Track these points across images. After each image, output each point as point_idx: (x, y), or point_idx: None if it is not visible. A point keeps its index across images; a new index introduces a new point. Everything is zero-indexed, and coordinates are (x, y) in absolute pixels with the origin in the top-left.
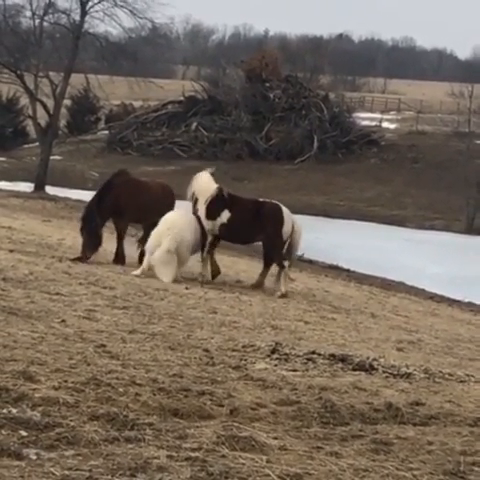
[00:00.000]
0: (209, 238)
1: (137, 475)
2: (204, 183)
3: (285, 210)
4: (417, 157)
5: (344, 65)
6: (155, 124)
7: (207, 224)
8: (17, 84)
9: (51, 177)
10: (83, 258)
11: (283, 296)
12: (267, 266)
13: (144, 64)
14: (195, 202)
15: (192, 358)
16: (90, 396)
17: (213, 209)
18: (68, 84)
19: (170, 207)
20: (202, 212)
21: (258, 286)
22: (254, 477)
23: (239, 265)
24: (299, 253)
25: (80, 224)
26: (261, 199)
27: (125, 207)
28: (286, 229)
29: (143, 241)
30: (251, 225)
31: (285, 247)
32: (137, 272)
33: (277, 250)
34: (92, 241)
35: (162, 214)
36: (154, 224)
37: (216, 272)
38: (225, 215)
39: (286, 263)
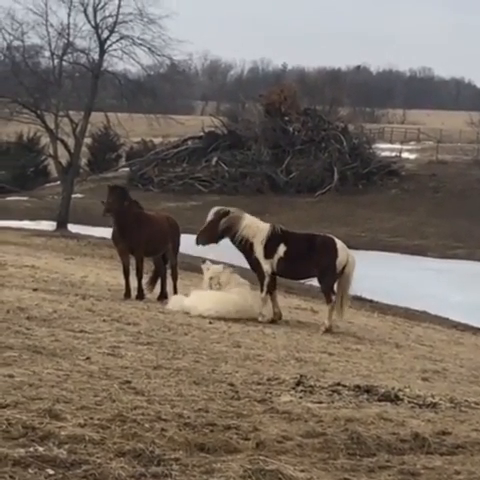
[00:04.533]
0: (267, 278)
1: None
2: (254, 225)
3: (339, 243)
4: (438, 186)
5: (362, 97)
6: (175, 160)
7: (265, 263)
8: (37, 124)
9: (73, 215)
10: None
11: (327, 331)
12: (329, 303)
13: (163, 101)
14: (250, 247)
15: (217, 392)
16: (116, 433)
17: (270, 247)
18: (88, 122)
19: (177, 239)
20: (260, 253)
21: (330, 329)
22: None
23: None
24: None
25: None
26: (315, 233)
27: (137, 240)
28: (340, 261)
29: (154, 280)
30: (306, 258)
31: (338, 280)
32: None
33: (328, 283)
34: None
35: (169, 246)
36: (163, 257)
37: (278, 316)
38: (282, 249)
39: (334, 297)
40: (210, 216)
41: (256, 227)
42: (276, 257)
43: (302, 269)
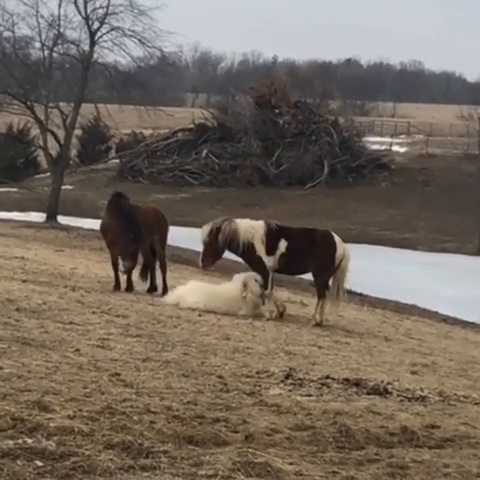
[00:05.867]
0: (270, 275)
1: None
2: (248, 227)
3: (336, 237)
4: (428, 180)
5: (353, 90)
6: (165, 152)
7: (269, 260)
8: (27, 115)
9: (63, 207)
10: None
11: (317, 325)
12: (321, 298)
13: (153, 93)
14: (252, 247)
15: (206, 385)
16: (105, 425)
17: (271, 243)
18: (78, 114)
19: (164, 230)
20: (262, 251)
21: (320, 324)
22: None
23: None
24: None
25: None
26: (312, 227)
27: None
28: (338, 256)
29: (144, 272)
30: (306, 253)
31: (334, 274)
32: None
33: (324, 278)
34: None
35: (156, 238)
36: (151, 248)
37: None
38: (283, 244)
39: (328, 293)
40: (204, 238)
41: (251, 227)
42: (278, 253)
43: (302, 264)
